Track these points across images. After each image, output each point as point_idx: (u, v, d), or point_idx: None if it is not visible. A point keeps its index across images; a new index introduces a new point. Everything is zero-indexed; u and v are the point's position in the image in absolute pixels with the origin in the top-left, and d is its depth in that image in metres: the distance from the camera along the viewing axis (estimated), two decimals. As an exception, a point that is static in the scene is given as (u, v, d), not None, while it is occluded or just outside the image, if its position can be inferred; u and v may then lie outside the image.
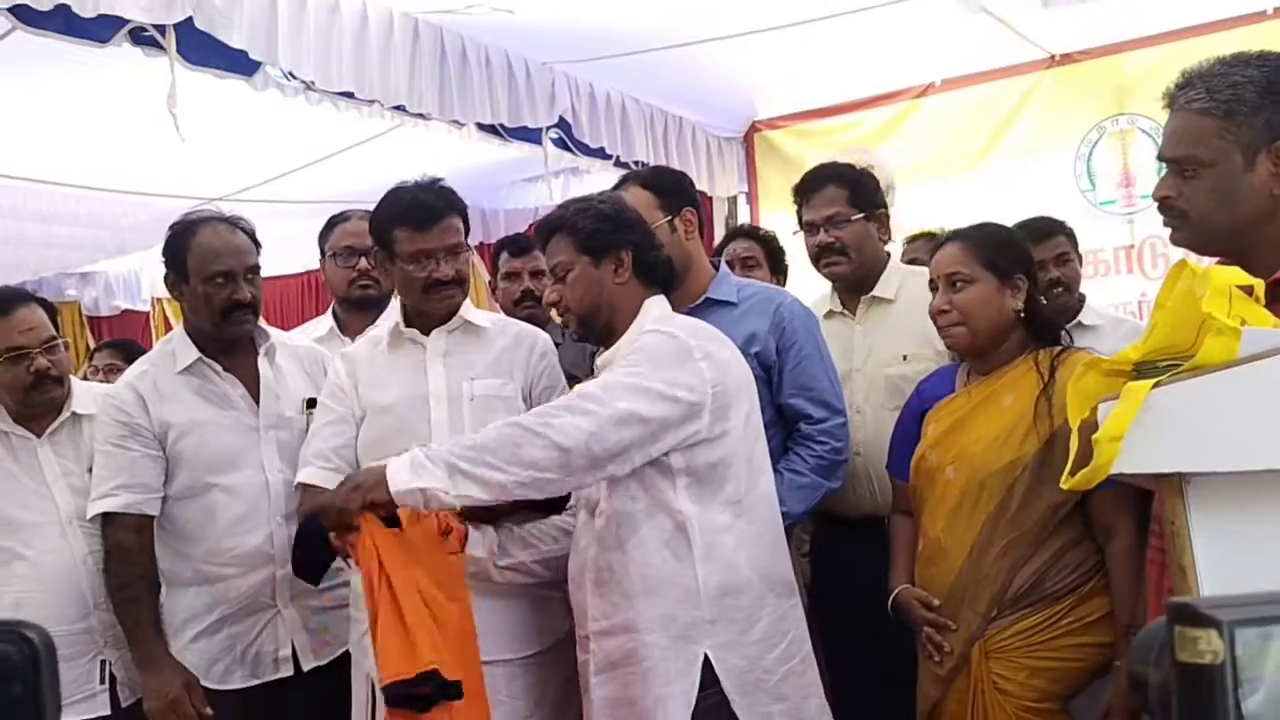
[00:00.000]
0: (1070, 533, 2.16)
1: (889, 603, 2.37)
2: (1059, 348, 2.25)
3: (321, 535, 1.99)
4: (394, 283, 2.41)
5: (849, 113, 5.27)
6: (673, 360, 2.02)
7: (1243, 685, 0.66)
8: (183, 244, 2.46)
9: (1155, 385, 1.12)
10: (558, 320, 3.48)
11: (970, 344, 2.29)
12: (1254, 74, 1.59)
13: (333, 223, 3.19)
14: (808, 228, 2.85)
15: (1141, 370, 1.18)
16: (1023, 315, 2.27)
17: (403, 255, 2.31)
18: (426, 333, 2.37)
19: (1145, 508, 2.02)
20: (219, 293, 2.43)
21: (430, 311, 2.36)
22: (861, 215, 2.79)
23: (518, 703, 2.26)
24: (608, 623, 2.04)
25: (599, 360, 2.23)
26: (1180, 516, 1.13)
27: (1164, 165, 1.70)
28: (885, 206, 2.89)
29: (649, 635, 1.99)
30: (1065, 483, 1.17)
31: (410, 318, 2.39)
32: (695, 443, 2.01)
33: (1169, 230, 1.77)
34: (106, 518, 2.42)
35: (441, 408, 2.32)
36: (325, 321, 3.19)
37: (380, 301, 3.11)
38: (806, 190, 2.86)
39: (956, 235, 2.36)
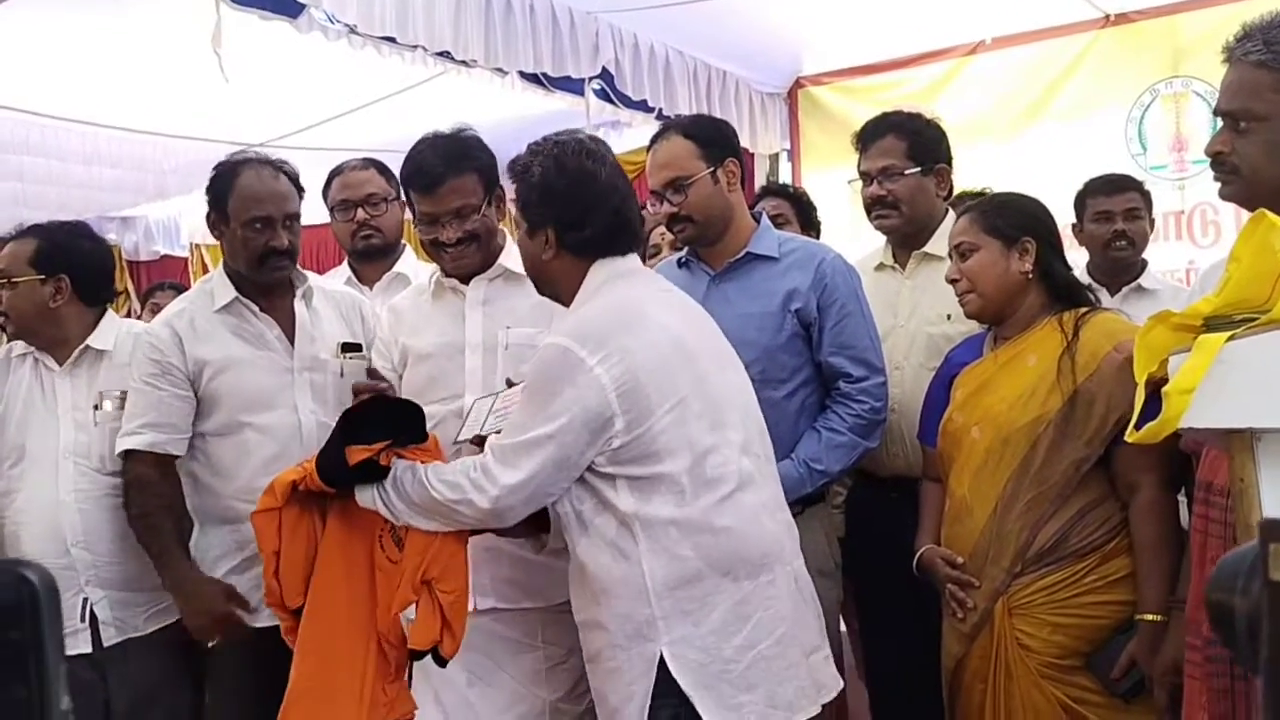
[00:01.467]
0: (1094, 491, 2.16)
1: (915, 562, 2.39)
2: (1084, 309, 2.25)
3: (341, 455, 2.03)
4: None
5: (896, 70, 5.17)
6: (560, 382, 1.91)
7: None
8: (225, 185, 2.46)
9: (1230, 339, 1.09)
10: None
11: (982, 309, 2.33)
12: None
13: (331, 176, 3.20)
14: (863, 177, 2.80)
15: (1213, 324, 1.15)
16: (1043, 278, 2.28)
17: (417, 215, 2.33)
18: (466, 281, 2.36)
19: (1168, 465, 2.06)
20: (256, 238, 2.43)
21: (448, 270, 2.35)
22: (918, 169, 2.73)
23: (553, 648, 2.30)
24: (584, 616, 2.01)
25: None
26: (1250, 474, 1.10)
27: (1219, 121, 1.66)
28: (948, 160, 2.81)
29: (613, 635, 1.93)
30: (1130, 436, 1.14)
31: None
32: (617, 446, 1.91)
33: (1219, 186, 1.74)
34: (128, 454, 2.44)
35: (476, 356, 2.33)
36: (343, 272, 3.21)
37: (385, 249, 3.11)
38: (866, 138, 2.80)
39: (967, 207, 2.42)
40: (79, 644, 2.47)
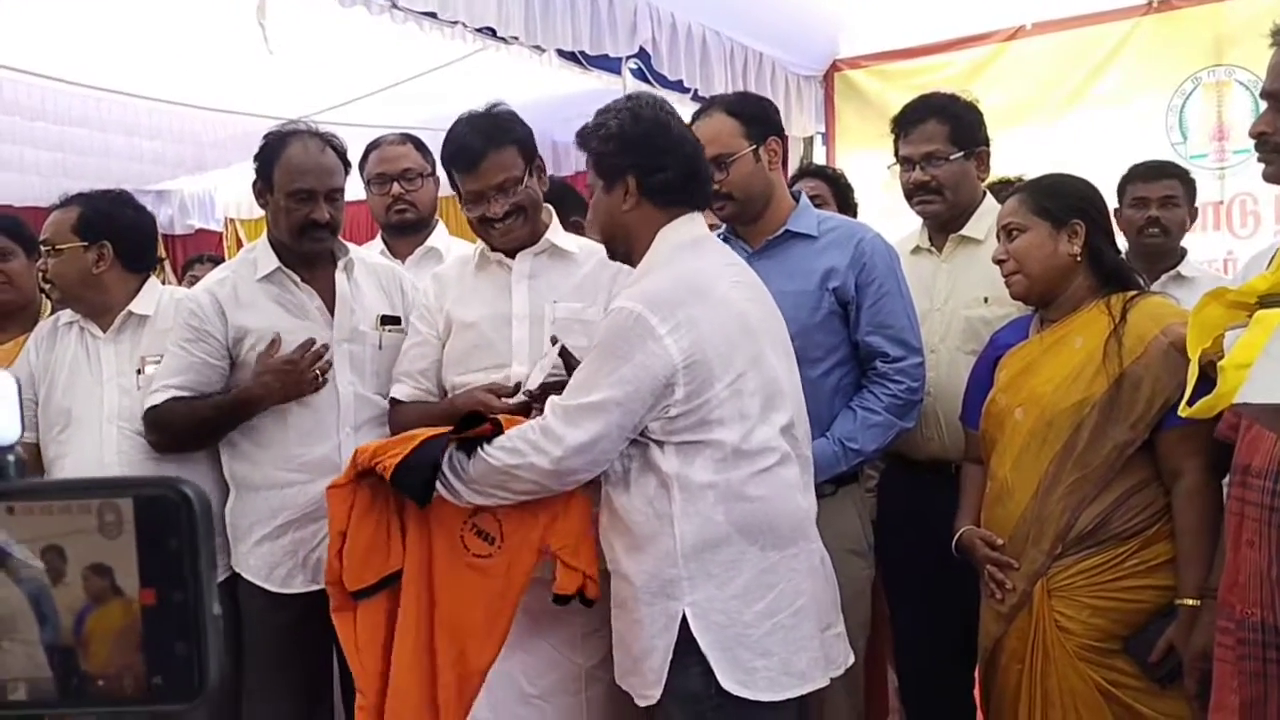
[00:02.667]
0: (1138, 475, 2.15)
1: (954, 543, 2.38)
2: (1133, 292, 2.24)
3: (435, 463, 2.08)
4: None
5: (934, 54, 5.14)
6: (631, 348, 1.95)
7: None
8: (273, 155, 2.48)
9: (1287, 315, 1.09)
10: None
11: (1028, 290, 2.31)
12: None
13: (368, 151, 3.21)
14: (904, 163, 2.77)
15: (1267, 301, 1.15)
16: (1091, 260, 2.26)
17: (462, 194, 2.34)
18: (512, 255, 2.38)
19: (1213, 451, 2.04)
20: (299, 210, 2.45)
21: (495, 246, 2.37)
22: (961, 154, 2.70)
23: (590, 616, 2.30)
24: (612, 566, 2.06)
25: (613, 292, 2.19)
26: (1303, 451, 1.10)
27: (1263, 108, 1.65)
28: (987, 143, 2.78)
29: (638, 590, 1.99)
30: (1183, 411, 1.14)
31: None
32: (674, 415, 1.96)
33: (1263, 168, 1.72)
34: (152, 409, 2.47)
35: (523, 328, 2.34)
36: (375, 246, 3.22)
37: (419, 224, 3.13)
38: (906, 123, 2.77)
39: (1017, 188, 2.40)
40: None
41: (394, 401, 2.44)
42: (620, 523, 2.03)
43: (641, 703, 2.03)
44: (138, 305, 2.64)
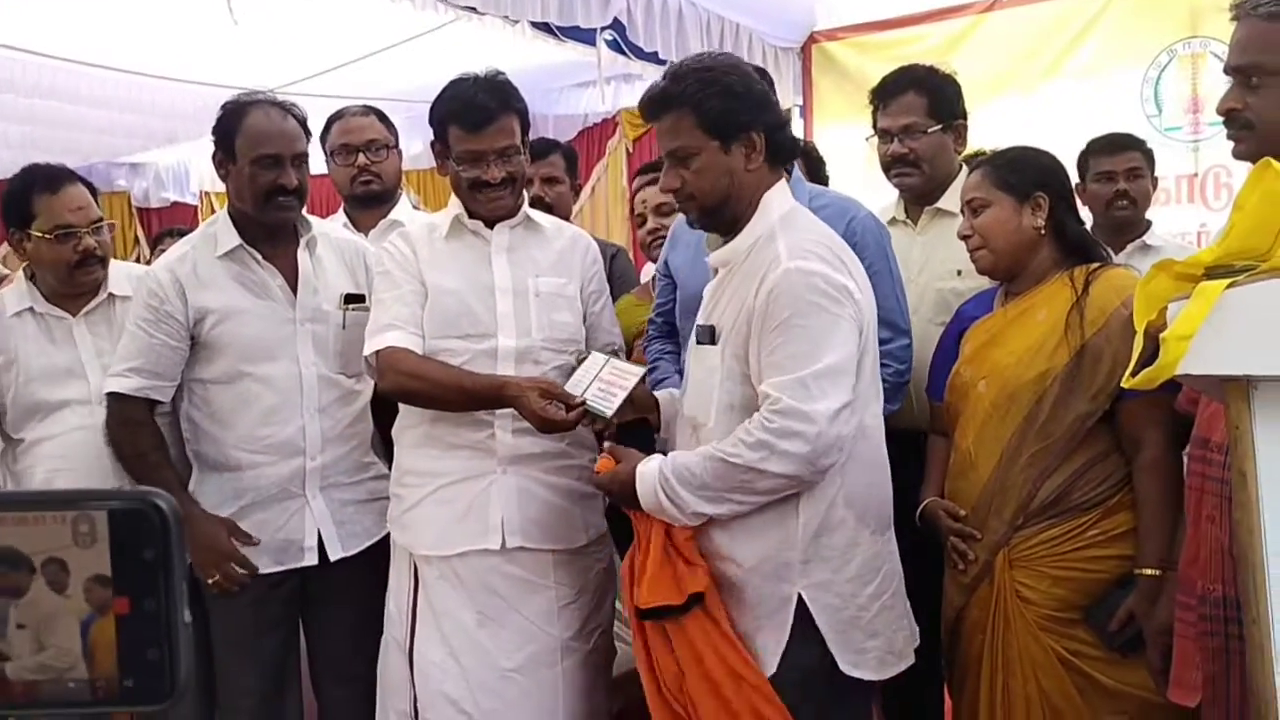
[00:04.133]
0: (1099, 446, 2.16)
1: (918, 514, 2.39)
2: (1095, 264, 2.24)
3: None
4: (449, 176, 2.37)
5: (911, 26, 5.12)
6: (836, 305, 1.90)
7: None
8: (233, 123, 2.45)
9: (1230, 286, 1.09)
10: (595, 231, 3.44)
11: (994, 265, 2.31)
12: None
13: (330, 121, 3.18)
14: (882, 134, 2.75)
15: (1214, 273, 1.15)
16: (1055, 233, 2.27)
17: (456, 153, 2.29)
18: (490, 226, 2.37)
19: (1174, 422, 2.05)
20: (264, 175, 2.41)
21: (478, 212, 2.35)
22: (939, 126, 2.69)
23: (563, 588, 2.34)
24: (710, 545, 2.00)
25: (713, 258, 2.09)
26: (1245, 421, 1.10)
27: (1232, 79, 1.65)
28: (965, 116, 2.77)
29: (747, 573, 1.96)
30: (1127, 381, 1.14)
31: (468, 214, 2.38)
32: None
33: (1233, 145, 1.72)
34: (113, 395, 2.44)
35: (508, 300, 2.33)
36: (338, 219, 3.18)
37: (384, 195, 3.10)
38: (885, 94, 2.75)
39: (979, 162, 2.38)
40: None
41: (388, 350, 2.27)
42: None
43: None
44: (116, 287, 2.61)
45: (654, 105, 2.04)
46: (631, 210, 3.58)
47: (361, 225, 3.08)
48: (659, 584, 1.95)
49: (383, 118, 3.15)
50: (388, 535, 2.45)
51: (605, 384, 2.19)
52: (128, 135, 5.56)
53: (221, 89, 4.88)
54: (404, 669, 2.32)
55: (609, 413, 2.15)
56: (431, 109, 2.34)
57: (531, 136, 2.46)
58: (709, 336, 2.03)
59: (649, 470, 1.97)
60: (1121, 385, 1.17)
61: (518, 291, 2.33)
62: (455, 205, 2.38)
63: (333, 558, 2.49)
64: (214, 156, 2.51)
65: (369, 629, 2.44)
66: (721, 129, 1.98)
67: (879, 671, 2.02)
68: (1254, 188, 1.16)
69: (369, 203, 3.10)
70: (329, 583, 2.51)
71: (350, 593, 2.50)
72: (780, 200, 2.05)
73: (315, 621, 2.57)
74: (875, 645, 2.00)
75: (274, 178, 2.42)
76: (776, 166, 2.05)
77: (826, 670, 1.97)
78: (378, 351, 2.28)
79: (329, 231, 2.65)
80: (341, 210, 3.23)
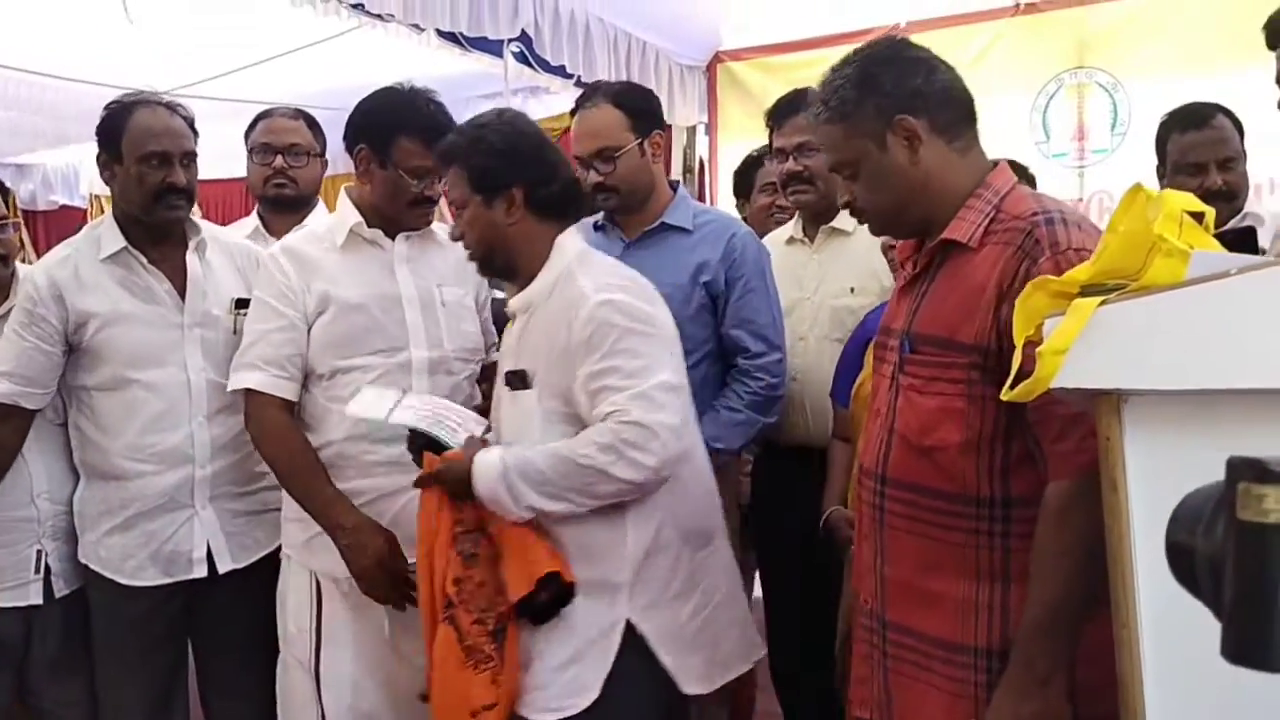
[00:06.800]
0: None
1: (821, 523, 2.43)
2: None
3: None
4: (373, 183, 2.33)
5: (813, 49, 5.21)
6: (654, 338, 1.97)
7: None
8: (119, 123, 2.38)
9: (1102, 303, 1.15)
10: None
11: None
12: None
13: (257, 119, 3.13)
14: (777, 154, 2.82)
15: (1088, 291, 1.21)
16: None
17: (403, 165, 2.28)
18: (390, 236, 2.35)
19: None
20: (153, 174, 2.36)
21: (406, 224, 2.35)
22: None
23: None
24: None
25: (512, 303, 2.13)
26: (1115, 432, 1.16)
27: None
28: None
29: (578, 596, 1.96)
30: (1005, 395, 1.19)
31: (371, 220, 2.35)
32: None
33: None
34: None
35: (415, 311, 2.32)
36: (251, 221, 3.13)
37: (297, 201, 3.06)
38: (779, 115, 2.82)
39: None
40: (30, 595, 2.44)
41: (251, 392, 2.26)
42: (567, 531, 1.96)
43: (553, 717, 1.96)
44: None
45: (441, 158, 2.13)
46: None
47: (275, 230, 3.01)
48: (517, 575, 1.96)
49: (312, 123, 3.11)
50: (278, 548, 2.41)
51: (441, 419, 2.14)
52: (13, 134, 5.36)
53: (115, 90, 4.75)
54: (309, 687, 2.29)
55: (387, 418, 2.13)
56: (370, 111, 2.33)
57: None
58: (521, 381, 2.04)
59: (489, 460, 1.94)
60: (1000, 397, 1.22)
61: (425, 302, 2.33)
62: (350, 214, 2.35)
63: (222, 570, 2.43)
64: (98, 158, 2.45)
65: (259, 644, 2.40)
66: (482, 185, 2.04)
67: (704, 685, 2.03)
68: (1125, 211, 1.22)
69: (281, 206, 3.04)
70: (218, 596, 2.45)
71: (240, 607, 2.45)
72: (572, 243, 2.08)
73: (203, 636, 2.51)
74: (699, 660, 2.03)
75: (163, 176, 2.36)
76: (550, 218, 2.07)
77: (659, 690, 1.98)
78: (247, 390, 2.27)
79: (219, 235, 2.60)
80: (255, 213, 3.16)
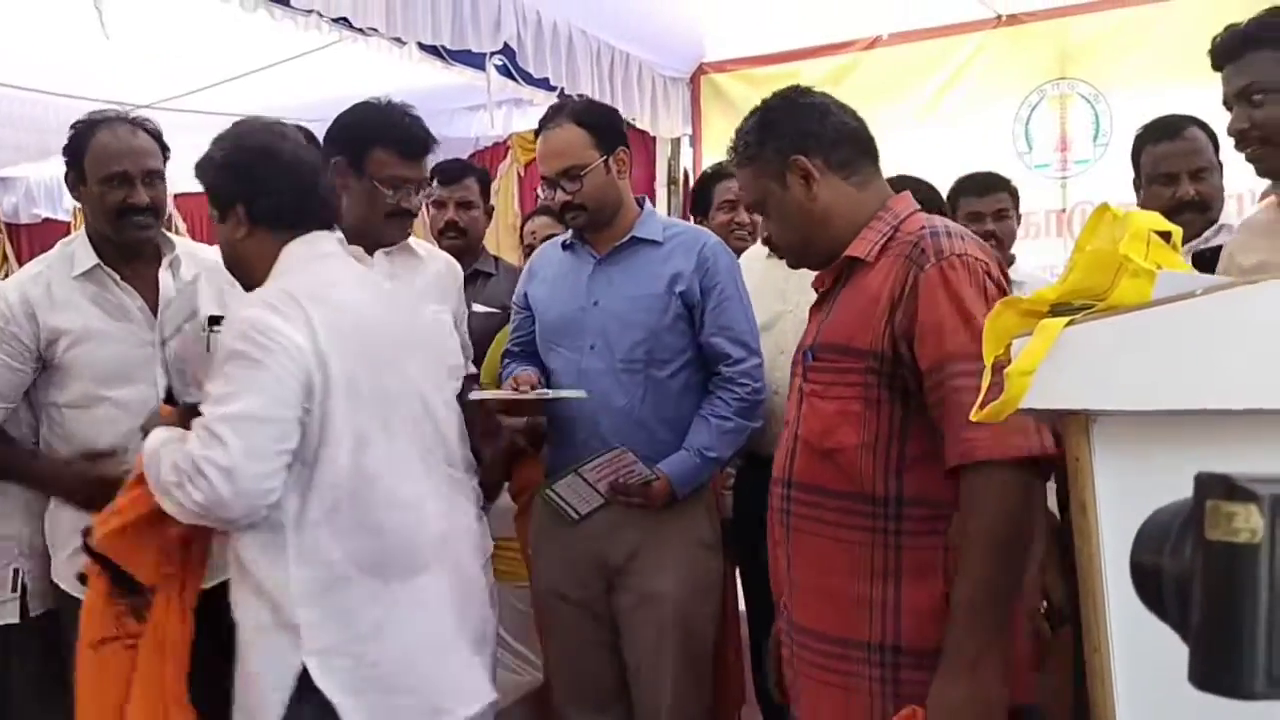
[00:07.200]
0: None
1: None
2: None
3: None
4: (350, 195, 2.32)
5: (796, 60, 5.25)
6: (255, 361, 1.83)
7: None
8: (81, 143, 2.39)
9: (1069, 323, 1.14)
10: (491, 252, 3.50)
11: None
12: None
13: None
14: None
15: (1057, 310, 1.20)
16: None
17: (377, 176, 2.29)
18: (370, 252, 2.35)
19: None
20: (113, 194, 2.36)
21: (382, 238, 2.35)
22: None
23: None
24: (239, 612, 1.93)
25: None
26: (1084, 453, 1.15)
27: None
28: None
29: (252, 638, 1.89)
30: (975, 415, 1.19)
31: (350, 236, 2.31)
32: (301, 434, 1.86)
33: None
34: None
35: None
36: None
37: None
38: None
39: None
40: (5, 614, 2.42)
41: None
42: (241, 563, 1.90)
43: None
44: None
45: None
46: (521, 239, 3.62)
47: None
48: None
49: (309, 137, 3.09)
50: None
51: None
52: (-4, 148, 5.36)
53: (98, 103, 4.74)
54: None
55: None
56: (347, 124, 2.34)
57: (430, 159, 2.49)
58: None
59: (153, 436, 1.94)
60: (970, 418, 1.22)
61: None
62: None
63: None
64: (66, 177, 2.45)
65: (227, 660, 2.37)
66: (215, 203, 2.04)
67: None
68: (1093, 231, 1.22)
69: None
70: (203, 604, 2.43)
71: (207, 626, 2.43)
72: (300, 251, 1.99)
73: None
74: (410, 704, 1.91)
75: (123, 196, 2.36)
76: (283, 228, 2.00)
77: None
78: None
79: (195, 251, 2.59)
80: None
